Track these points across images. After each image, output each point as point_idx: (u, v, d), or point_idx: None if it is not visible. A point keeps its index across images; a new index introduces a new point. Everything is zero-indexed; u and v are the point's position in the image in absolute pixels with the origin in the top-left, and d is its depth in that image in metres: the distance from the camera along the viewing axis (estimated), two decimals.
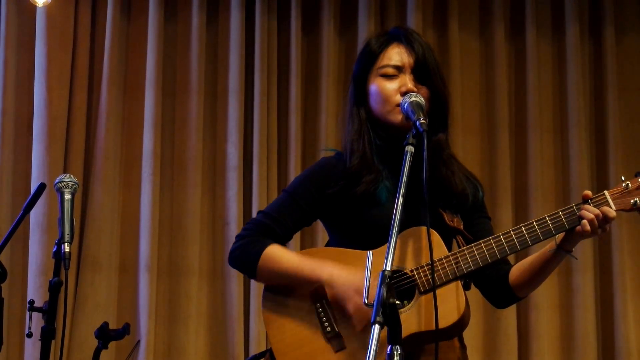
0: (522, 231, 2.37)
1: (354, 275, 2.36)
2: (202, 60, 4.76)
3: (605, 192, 2.37)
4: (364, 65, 2.56)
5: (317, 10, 4.91)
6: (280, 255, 2.48)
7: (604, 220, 2.32)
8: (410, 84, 2.47)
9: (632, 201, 2.35)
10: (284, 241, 2.56)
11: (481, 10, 5.07)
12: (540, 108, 4.96)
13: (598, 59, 5.08)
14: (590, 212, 2.33)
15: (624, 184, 2.36)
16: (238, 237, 2.56)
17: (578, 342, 4.79)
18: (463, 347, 2.50)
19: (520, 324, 4.80)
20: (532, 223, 2.37)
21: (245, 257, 2.51)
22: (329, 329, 2.40)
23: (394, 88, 2.48)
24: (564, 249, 2.40)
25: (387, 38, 2.56)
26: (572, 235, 2.37)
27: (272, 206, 2.60)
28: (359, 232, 2.48)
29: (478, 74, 5.03)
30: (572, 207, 2.36)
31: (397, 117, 2.45)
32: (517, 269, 2.51)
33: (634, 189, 2.35)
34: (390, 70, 2.50)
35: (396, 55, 2.52)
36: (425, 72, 2.50)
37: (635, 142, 5.02)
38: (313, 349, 2.41)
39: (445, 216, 2.48)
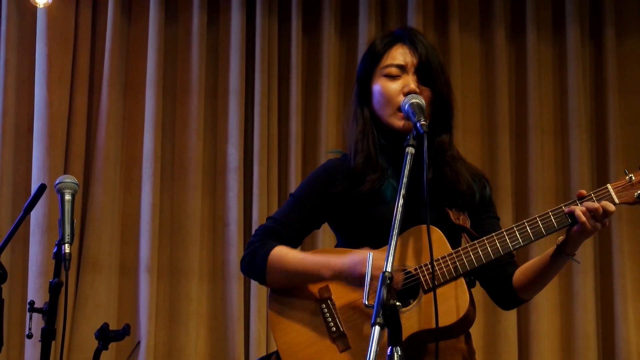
0: (525, 226, 2.37)
1: (355, 264, 2.34)
2: (203, 61, 4.75)
3: (608, 185, 2.36)
4: (368, 65, 2.56)
5: (318, 12, 4.91)
6: (285, 254, 2.48)
7: (604, 214, 2.31)
8: (413, 85, 2.46)
9: (635, 194, 2.34)
10: (293, 245, 2.56)
11: (482, 12, 5.07)
12: (540, 109, 4.96)
13: (598, 60, 5.09)
14: (585, 206, 2.32)
15: (627, 177, 2.35)
16: (248, 244, 2.57)
17: (578, 344, 4.78)
18: (471, 351, 2.49)
19: (521, 326, 4.80)
20: (535, 218, 2.37)
21: (254, 262, 2.51)
22: (334, 329, 2.41)
23: (397, 89, 2.47)
24: (565, 253, 2.40)
25: (391, 39, 2.56)
26: (571, 236, 2.36)
27: (280, 211, 2.61)
28: (365, 230, 2.48)
29: (478, 75, 5.03)
30: (575, 201, 2.36)
31: (399, 123, 2.45)
32: (521, 272, 2.51)
33: (638, 182, 2.34)
34: (394, 70, 2.49)
35: (400, 55, 2.51)
36: (428, 73, 2.49)
37: (635, 144, 5.01)
38: (319, 349, 2.41)
39: (451, 214, 2.48)
